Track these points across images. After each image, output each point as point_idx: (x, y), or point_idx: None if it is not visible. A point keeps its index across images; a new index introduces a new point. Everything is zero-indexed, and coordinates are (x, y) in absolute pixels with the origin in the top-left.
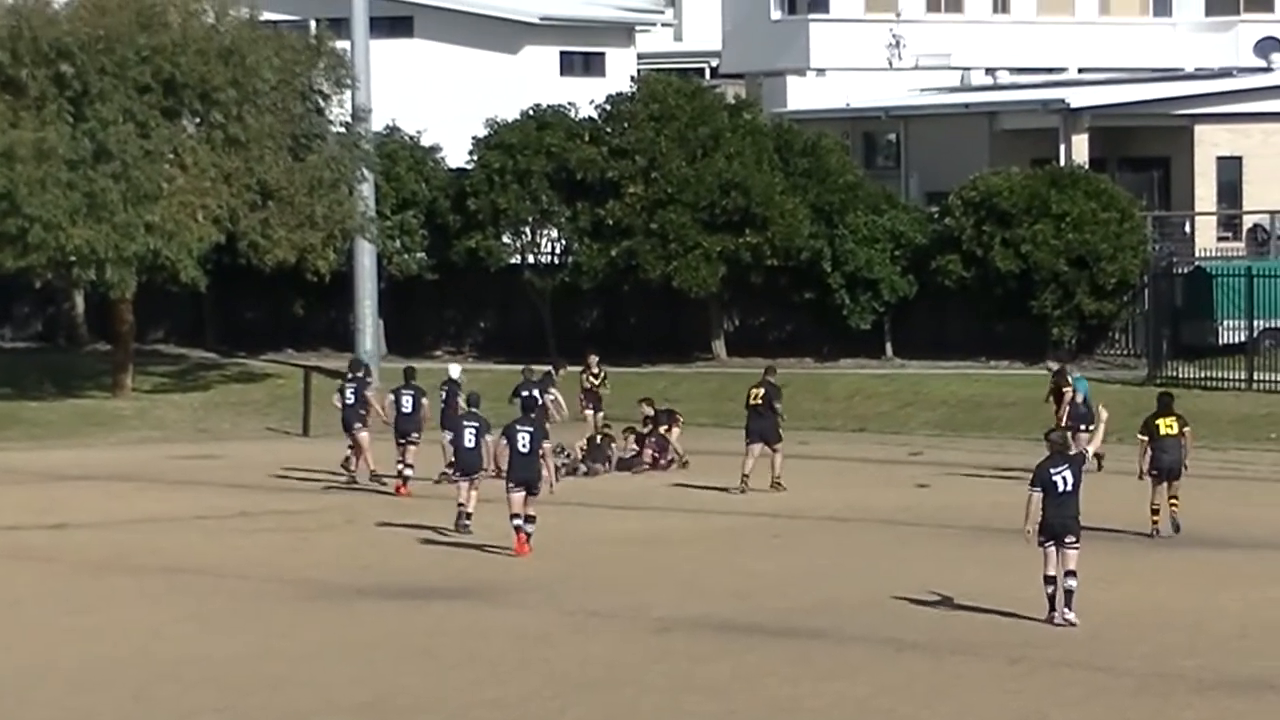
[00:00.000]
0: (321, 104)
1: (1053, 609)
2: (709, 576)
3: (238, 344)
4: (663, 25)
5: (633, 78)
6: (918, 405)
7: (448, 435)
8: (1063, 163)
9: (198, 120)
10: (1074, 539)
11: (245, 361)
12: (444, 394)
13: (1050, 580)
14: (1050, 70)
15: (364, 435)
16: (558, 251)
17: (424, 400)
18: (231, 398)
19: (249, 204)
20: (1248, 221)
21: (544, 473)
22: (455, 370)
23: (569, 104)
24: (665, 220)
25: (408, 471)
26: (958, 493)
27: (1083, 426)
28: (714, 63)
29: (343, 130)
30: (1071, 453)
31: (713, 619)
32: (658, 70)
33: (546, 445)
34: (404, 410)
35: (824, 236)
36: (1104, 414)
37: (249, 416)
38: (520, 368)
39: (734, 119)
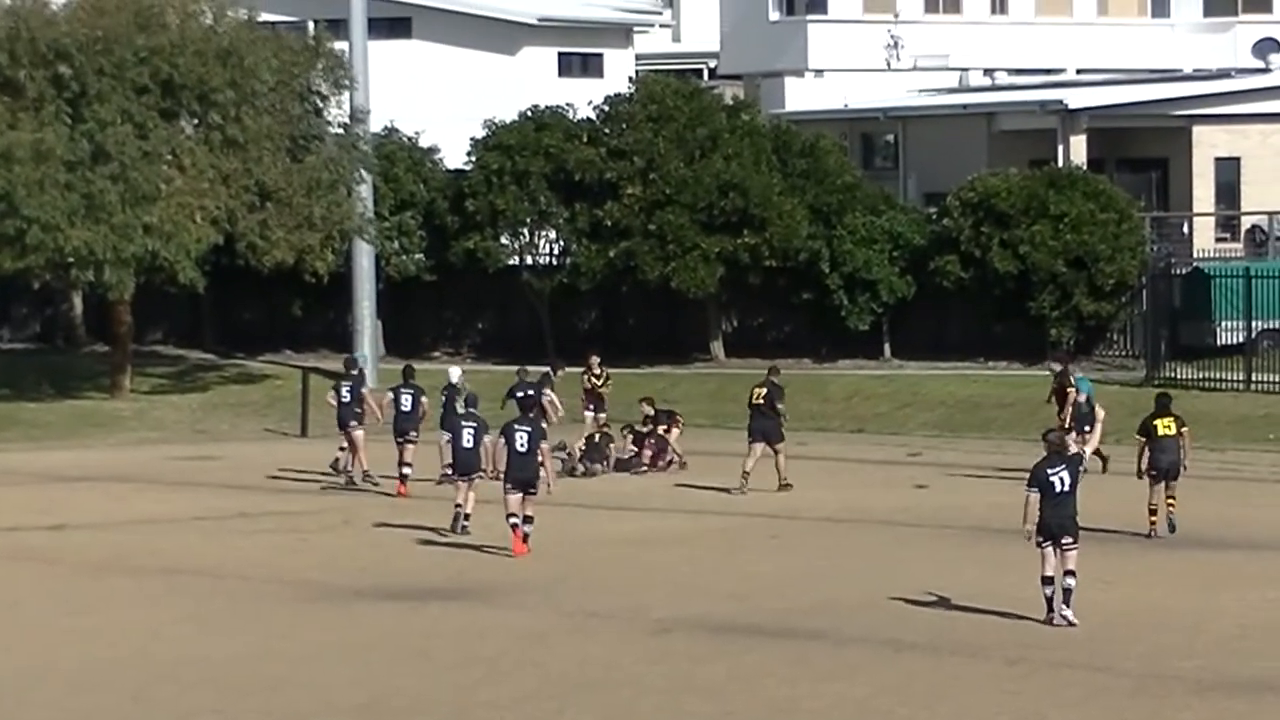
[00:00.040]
0: (320, 105)
1: (1051, 610)
2: (707, 577)
3: (236, 345)
4: (661, 26)
5: (631, 79)
6: (916, 406)
7: (445, 436)
8: (1061, 164)
9: (196, 121)
10: (1071, 539)
11: (243, 362)
12: (444, 398)
13: (1048, 581)
14: (1048, 71)
15: (359, 433)
16: (556, 252)
17: (423, 399)
18: (230, 399)
19: (247, 205)
20: (1246, 222)
21: (542, 473)
22: (455, 374)
23: (567, 105)
24: (663, 221)
25: (406, 470)
26: (956, 493)
27: (1086, 428)
28: (712, 64)
29: (341, 131)
30: (1069, 453)
31: (711, 620)
32: (656, 71)
33: (544, 445)
34: (403, 409)
35: (822, 237)
36: (1100, 414)
37: (247, 417)
38: (516, 369)
39: (732, 120)
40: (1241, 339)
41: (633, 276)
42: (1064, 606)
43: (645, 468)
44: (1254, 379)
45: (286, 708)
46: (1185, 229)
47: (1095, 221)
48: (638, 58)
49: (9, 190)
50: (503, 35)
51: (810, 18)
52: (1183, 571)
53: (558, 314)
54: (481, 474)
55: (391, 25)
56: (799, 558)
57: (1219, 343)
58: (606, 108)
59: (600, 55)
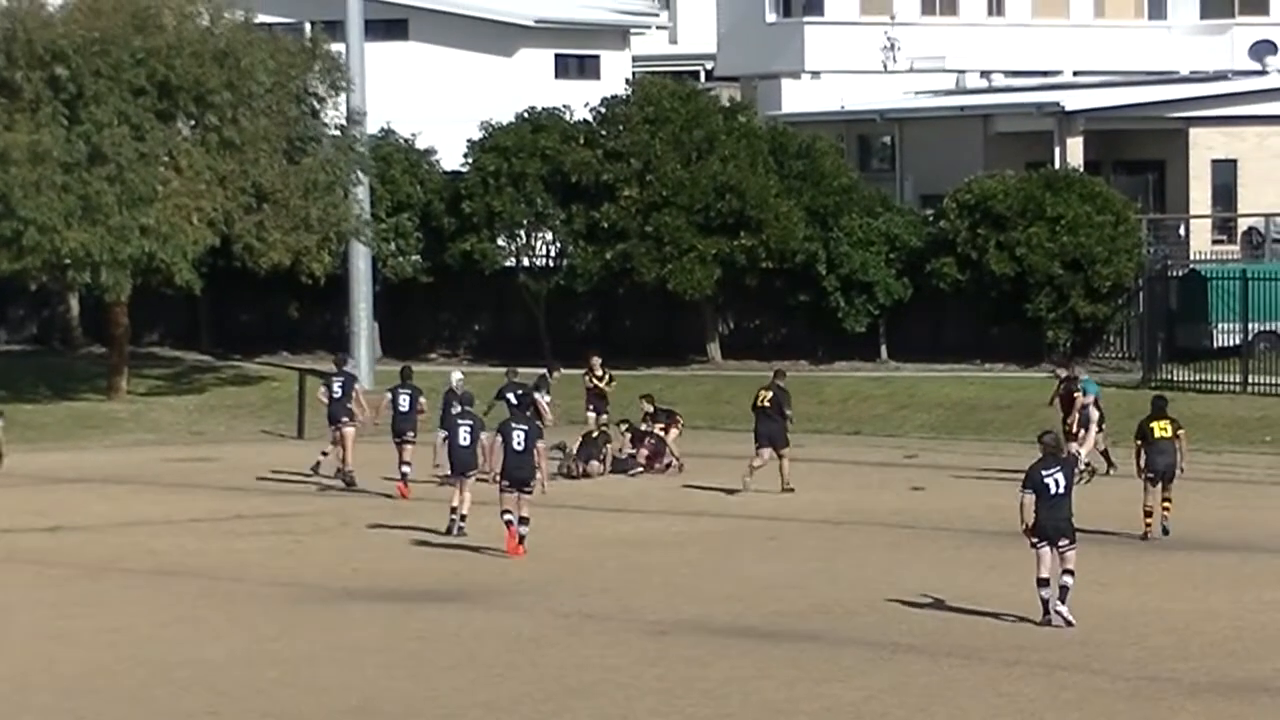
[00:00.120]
0: (316, 107)
1: (1047, 612)
2: (704, 580)
3: (233, 347)
4: (657, 28)
5: (627, 80)
6: (913, 408)
7: (442, 434)
8: (1057, 166)
9: (192, 123)
10: (1068, 541)
11: (240, 364)
12: (444, 401)
13: (1044, 583)
14: (1045, 73)
15: (349, 430)
16: (552, 254)
17: (421, 399)
18: (226, 400)
19: (244, 207)
20: (1242, 224)
21: (538, 474)
22: (456, 377)
23: (564, 107)
24: (660, 223)
25: (406, 469)
26: (953, 495)
27: (1094, 429)
28: (709, 65)
29: (338, 133)
30: (1064, 455)
31: (708, 622)
32: (652, 73)
33: (540, 445)
34: (401, 409)
35: (819, 239)
36: (1095, 414)
37: (244, 419)
38: (505, 370)
39: (729, 122)
40: (1238, 341)
41: (629, 278)
42: (1061, 605)
43: (641, 469)
44: (1250, 381)
45: (282, 710)
46: (1182, 231)
47: (1092, 224)
48: (634, 59)
49: (6, 192)
50: (499, 37)
51: (807, 19)
52: (1178, 573)
53: (554, 316)
54: (479, 472)
55: (388, 27)
56: (796, 560)
57: (1215, 345)
58: (603, 109)
59: (597, 57)
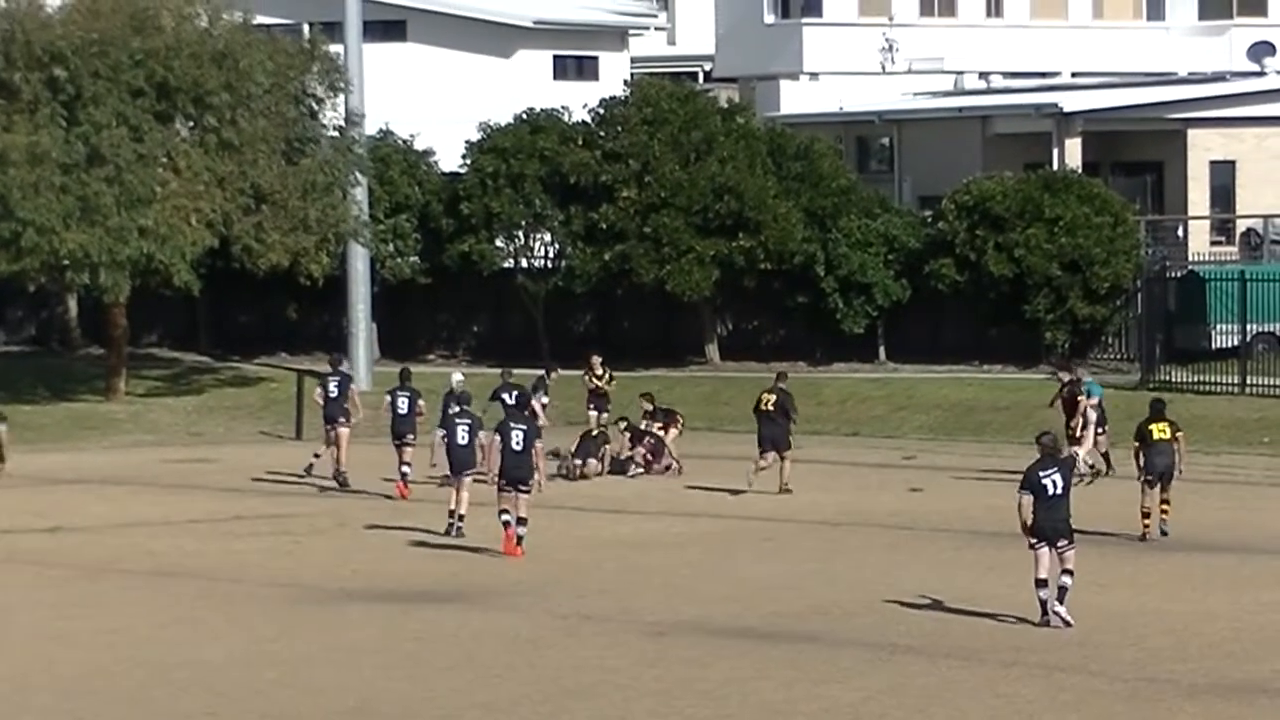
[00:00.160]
0: (315, 108)
1: (1045, 613)
2: (702, 581)
3: (231, 348)
4: (656, 29)
5: (626, 81)
6: (911, 409)
7: (440, 433)
8: (1056, 167)
9: (191, 124)
10: (1066, 542)
11: (239, 365)
12: (443, 403)
13: (1042, 584)
14: (1043, 74)
15: (344, 430)
16: (551, 255)
17: (420, 401)
18: (225, 401)
19: (242, 208)
20: (1241, 225)
21: (536, 473)
22: (456, 378)
23: (562, 108)
24: (658, 224)
25: (405, 469)
26: (951, 496)
27: (1099, 429)
28: (707, 66)
29: (336, 134)
30: (1061, 456)
31: (706, 623)
32: (651, 74)
33: (538, 444)
34: (400, 411)
35: (817, 240)
36: (1091, 415)
37: (242, 420)
38: (500, 370)
39: (727, 123)
40: (1236, 342)
41: (628, 279)
42: (1059, 605)
43: (640, 470)
44: (1249, 382)
45: (280, 710)
46: (1180, 232)
47: (1090, 225)
48: (633, 60)
49: (4, 193)
50: (498, 38)
51: (805, 20)
52: (1177, 575)
53: (552, 317)
54: (477, 472)
55: (386, 28)
56: (794, 561)
57: (1214, 346)
58: (602, 110)
59: (595, 58)
